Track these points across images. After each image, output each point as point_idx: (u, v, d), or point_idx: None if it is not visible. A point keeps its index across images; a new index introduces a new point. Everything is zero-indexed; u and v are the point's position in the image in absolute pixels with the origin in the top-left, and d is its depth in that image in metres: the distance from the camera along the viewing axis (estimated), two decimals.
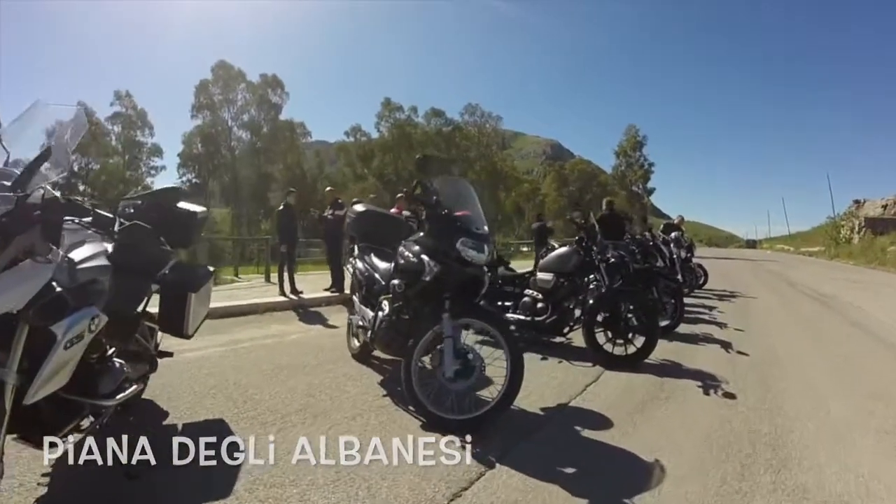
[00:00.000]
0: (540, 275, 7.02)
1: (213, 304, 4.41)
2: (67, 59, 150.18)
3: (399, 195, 11.67)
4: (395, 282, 4.39)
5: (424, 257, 4.18)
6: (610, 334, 6.20)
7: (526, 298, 7.03)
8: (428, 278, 4.11)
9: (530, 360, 5.29)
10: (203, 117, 60.51)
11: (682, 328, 8.13)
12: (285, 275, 11.33)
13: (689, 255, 14.52)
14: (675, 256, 12.70)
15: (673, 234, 14.00)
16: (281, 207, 12.16)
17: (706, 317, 9.79)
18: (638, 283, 8.02)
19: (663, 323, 7.79)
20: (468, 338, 4.22)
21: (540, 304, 6.87)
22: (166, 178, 60.52)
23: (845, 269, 29.31)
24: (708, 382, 5.36)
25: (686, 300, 11.66)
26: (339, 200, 12.29)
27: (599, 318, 6.28)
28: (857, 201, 52.37)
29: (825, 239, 51.16)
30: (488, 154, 70.19)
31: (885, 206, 47.74)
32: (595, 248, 6.63)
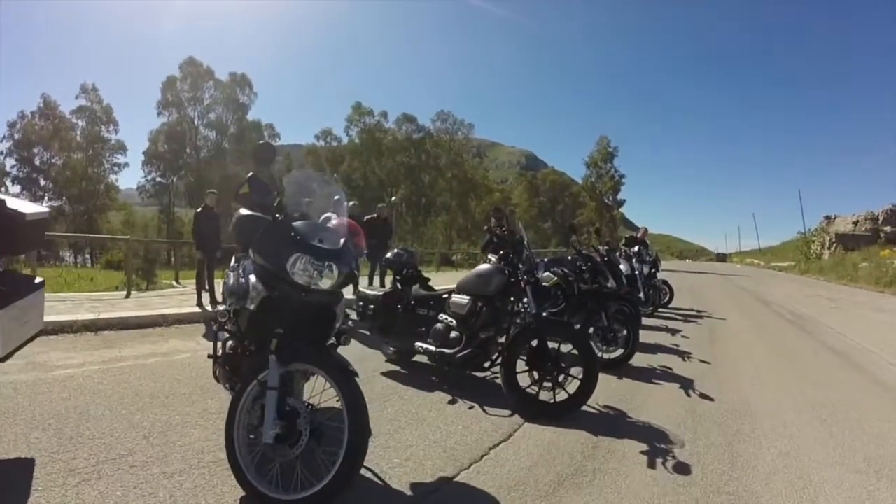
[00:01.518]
0: (454, 297, 5.70)
1: (117, 314, 4.75)
2: (34, 48, 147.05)
3: (352, 202, 10.76)
4: (221, 308, 3.54)
5: (252, 278, 3.30)
6: (536, 374, 4.85)
7: (438, 325, 5.72)
8: (252, 306, 3.24)
9: (435, 402, 4.93)
10: (169, 115, 59.43)
11: (638, 358, 6.89)
12: (206, 283, 10.51)
13: (653, 270, 13.31)
14: (636, 273, 11.59)
15: (635, 248, 12.85)
16: (199, 209, 10.98)
17: (668, 343, 8.53)
18: (584, 306, 6.87)
19: (614, 354, 6.69)
20: (316, 389, 3.14)
21: (453, 333, 5.55)
22: (130, 175, 59.43)
23: (817, 284, 28.49)
24: (656, 446, 4.05)
25: (648, 321, 10.57)
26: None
27: (524, 354, 4.96)
28: (827, 217, 52.60)
29: (795, 254, 51.56)
30: (459, 162, 69.18)
31: (855, 223, 48.07)
32: (521, 266, 5.24)
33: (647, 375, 6.36)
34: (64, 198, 55.84)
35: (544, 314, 6.29)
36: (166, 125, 59.16)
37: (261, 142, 3.75)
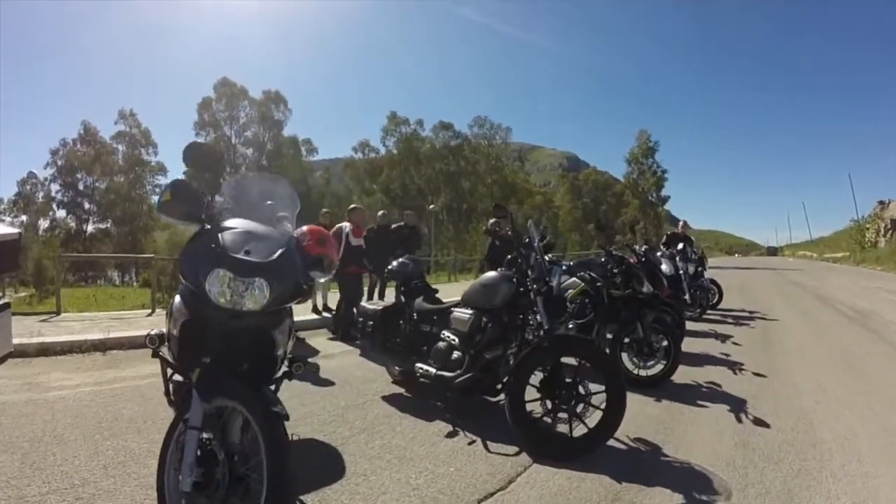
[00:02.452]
0: (455, 312, 4.99)
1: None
2: (72, 79, 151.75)
3: (352, 206, 10.37)
4: (153, 332, 3.07)
5: (176, 298, 2.89)
6: (549, 404, 4.09)
7: (440, 343, 4.99)
8: (175, 331, 2.85)
9: (431, 435, 4.27)
10: (206, 135, 60.16)
11: (681, 373, 6.02)
12: None
13: (699, 269, 12.35)
14: (680, 272, 10.69)
15: (680, 246, 11.92)
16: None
17: (716, 352, 7.61)
18: (616, 316, 6.07)
19: (653, 370, 5.86)
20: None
21: (455, 354, 4.81)
22: None
23: (875, 276, 26.87)
24: (696, 498, 3.23)
25: (694, 326, 9.70)
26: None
27: (534, 379, 4.18)
28: (881, 202, 50.43)
29: (849, 243, 49.60)
30: (499, 167, 68.48)
31: None
32: (531, 272, 4.49)
33: (690, 395, 5.50)
34: (109, 220, 57.56)
35: (563, 329, 5.57)
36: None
37: (190, 142, 3.15)
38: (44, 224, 56.49)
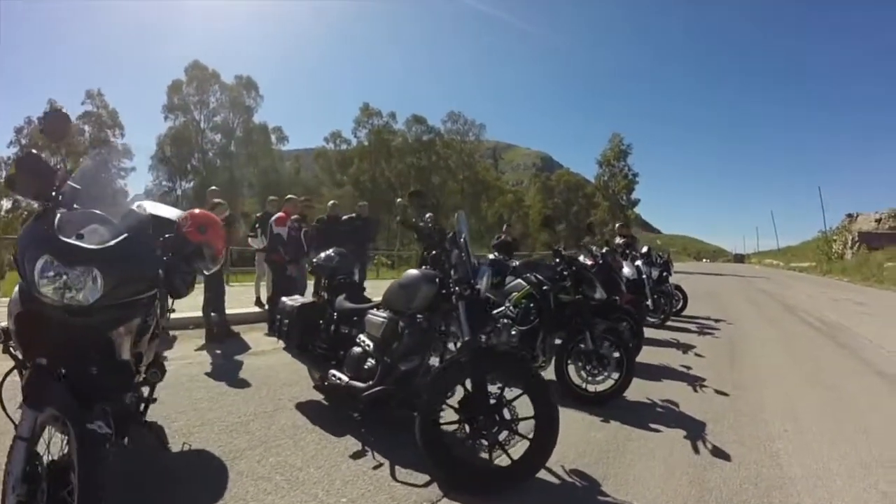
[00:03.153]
0: (369, 315, 4.34)
1: None
2: (39, 56, 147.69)
3: (289, 196, 9.71)
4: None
5: (16, 287, 2.54)
6: (468, 428, 3.40)
7: (355, 348, 4.34)
8: (11, 326, 2.51)
9: (335, 454, 3.69)
10: (175, 118, 58.81)
11: (637, 388, 5.41)
12: None
13: (664, 273, 11.80)
14: (644, 277, 10.12)
15: (644, 249, 11.39)
16: None
17: (676, 364, 7.00)
18: (564, 324, 5.41)
19: (602, 385, 5.19)
20: None
21: (368, 362, 4.15)
22: (137, 179, 59.59)
23: (841, 286, 26.84)
24: None
25: (656, 334, 9.13)
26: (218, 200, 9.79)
27: (452, 401, 3.49)
28: (849, 215, 51.26)
29: (816, 254, 50.39)
30: (471, 163, 67.85)
31: (878, 220, 46.82)
32: (454, 272, 3.77)
33: (643, 416, 4.84)
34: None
35: (505, 336, 4.93)
36: (173, 129, 58.53)
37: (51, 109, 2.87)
38: (6, 205, 54.70)
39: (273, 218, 9.27)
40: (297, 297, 5.41)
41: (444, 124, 67.78)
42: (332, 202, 12.25)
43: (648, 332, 8.86)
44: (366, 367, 4.13)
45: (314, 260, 5.45)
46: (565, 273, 5.54)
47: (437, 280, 3.87)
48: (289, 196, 9.90)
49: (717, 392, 5.71)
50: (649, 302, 10.18)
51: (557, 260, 5.76)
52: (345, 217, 11.74)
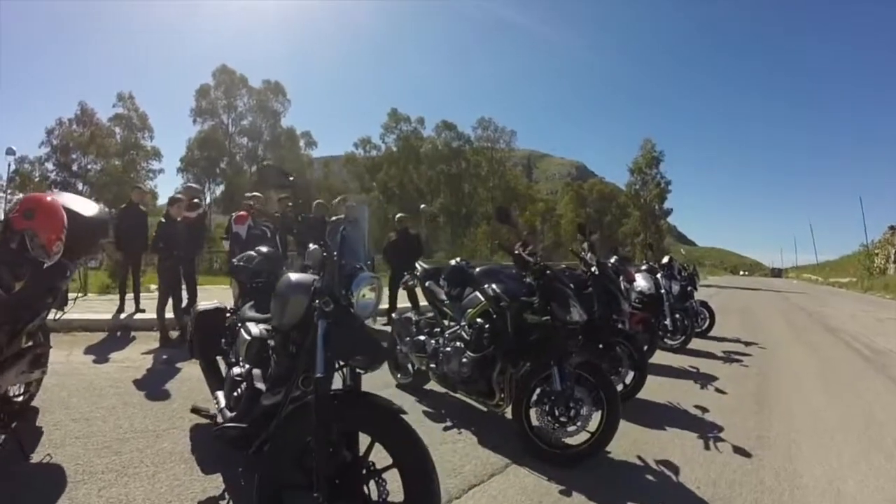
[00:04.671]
0: (241, 330, 3.59)
1: None
2: (72, 59, 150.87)
3: (253, 193, 9.19)
4: None
5: None
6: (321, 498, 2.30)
7: (235, 369, 3.52)
8: None
9: (187, 496, 3.06)
10: (203, 122, 58.97)
11: (630, 436, 4.21)
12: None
13: (688, 289, 10.37)
14: (663, 291, 8.76)
15: (665, 259, 9.99)
16: (123, 206, 9.89)
17: (689, 404, 5.58)
18: (527, 353, 4.13)
19: (574, 439, 3.90)
20: None
21: (238, 390, 3.32)
22: (165, 181, 60.25)
23: (885, 304, 24.86)
24: None
25: (673, 360, 7.81)
26: (196, 200, 9.21)
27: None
28: (892, 227, 48.72)
29: (857, 269, 48.46)
30: (501, 171, 66.52)
31: None
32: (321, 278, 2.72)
33: (625, 487, 3.49)
34: (101, 202, 56.28)
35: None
36: (202, 133, 58.55)
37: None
38: None
39: (233, 215, 8.73)
40: (214, 302, 4.38)
41: (475, 131, 66.48)
42: (317, 202, 11.26)
43: (664, 358, 7.73)
44: (234, 394, 3.30)
45: (233, 260, 4.63)
46: (533, 285, 4.22)
47: (313, 288, 2.72)
48: (254, 192, 9.00)
49: (737, 450, 4.26)
50: (668, 321, 8.78)
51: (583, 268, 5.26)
52: (334, 218, 10.76)
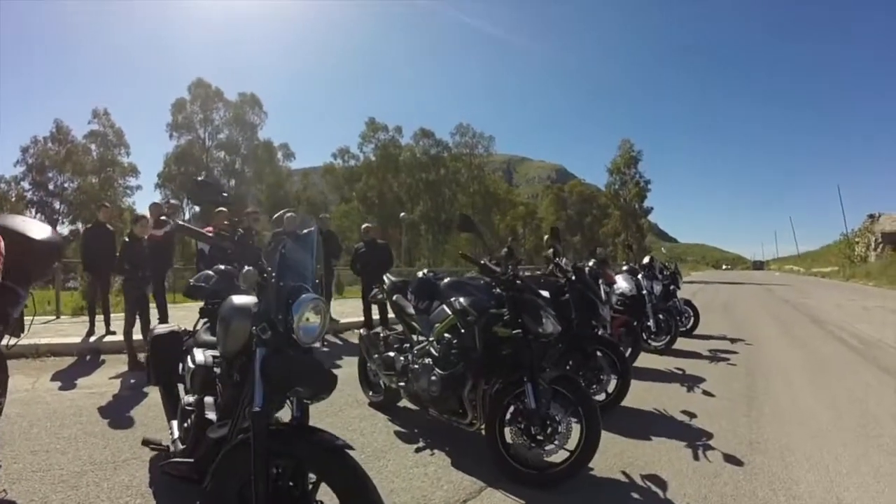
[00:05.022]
0: (189, 355, 3.31)
1: None
2: (46, 77, 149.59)
3: (218, 209, 8.17)
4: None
5: None
6: None
7: (186, 397, 3.30)
8: None
9: None
10: (180, 136, 58.26)
11: (613, 449, 3.95)
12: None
13: (671, 287, 10.17)
14: (644, 292, 8.55)
15: (646, 259, 9.79)
16: (89, 225, 9.92)
17: (675, 410, 5.32)
18: (498, 369, 3.86)
19: (553, 457, 3.60)
20: None
21: (186, 424, 3.13)
22: (143, 197, 59.78)
23: (869, 292, 25.00)
24: None
25: (657, 362, 7.63)
26: (163, 217, 8.65)
27: None
28: (871, 216, 49.27)
29: (838, 258, 48.77)
30: (481, 176, 66.46)
31: None
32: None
33: None
34: (78, 222, 55.81)
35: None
36: (179, 147, 57.91)
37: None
38: None
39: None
40: (170, 325, 4.10)
41: (453, 137, 66.49)
42: (288, 214, 10.93)
43: (650, 360, 7.51)
44: (185, 425, 3.08)
45: (190, 280, 4.16)
46: (502, 295, 3.93)
47: (255, 312, 2.45)
48: (218, 209, 8.68)
49: (728, 459, 4.00)
50: (651, 322, 8.55)
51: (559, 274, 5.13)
52: (303, 231, 10.46)
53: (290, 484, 2.27)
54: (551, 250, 5.61)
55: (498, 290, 3.96)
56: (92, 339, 8.36)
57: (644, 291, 8.55)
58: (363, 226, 11.15)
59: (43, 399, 5.38)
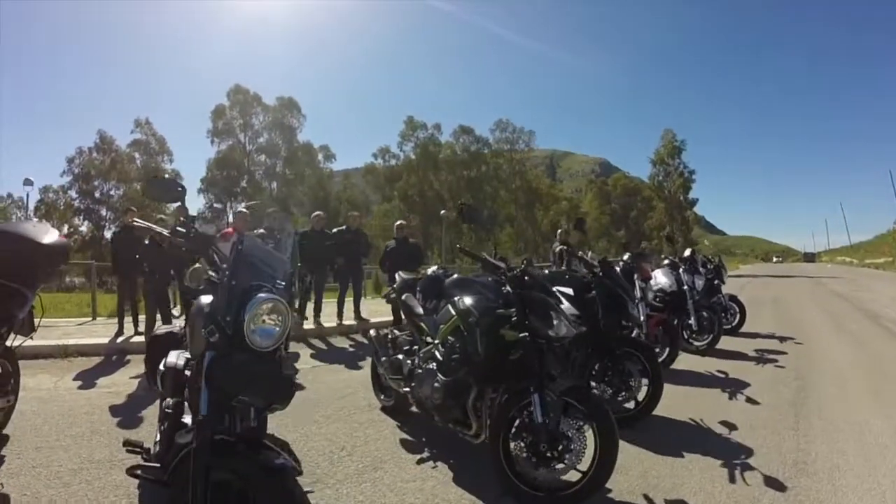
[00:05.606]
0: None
1: None
2: (88, 89, 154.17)
3: (239, 209, 9.39)
4: None
5: None
6: None
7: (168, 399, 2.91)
8: None
9: None
10: (221, 142, 59.37)
11: (639, 464, 3.50)
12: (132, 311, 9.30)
13: (715, 282, 9.60)
14: (685, 287, 8.01)
15: (687, 252, 9.23)
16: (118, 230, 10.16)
17: (714, 421, 4.79)
18: (504, 376, 3.46)
19: (567, 474, 3.21)
20: None
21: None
22: (187, 203, 60.79)
23: None
24: None
25: (696, 364, 7.12)
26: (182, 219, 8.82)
27: None
28: None
29: (892, 248, 45.97)
30: (522, 172, 65.80)
31: None
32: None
33: None
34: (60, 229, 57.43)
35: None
36: (220, 152, 59.00)
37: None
38: (64, 230, 56.46)
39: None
40: (170, 326, 3.98)
41: (493, 133, 66.34)
42: (316, 213, 10.88)
43: (689, 362, 7.06)
44: (162, 428, 2.89)
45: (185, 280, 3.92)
46: (509, 293, 3.52)
47: (206, 313, 2.30)
48: (239, 209, 8.63)
49: (768, 482, 3.49)
50: (692, 320, 7.99)
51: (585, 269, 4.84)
52: (335, 230, 10.60)
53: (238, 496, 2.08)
54: (558, 246, 5.15)
55: (507, 288, 3.54)
56: (119, 339, 8.37)
57: (685, 287, 8.02)
58: (397, 223, 10.92)
59: (61, 397, 5.40)
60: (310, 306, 10.16)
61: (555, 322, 3.31)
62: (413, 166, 63.23)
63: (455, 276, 4.13)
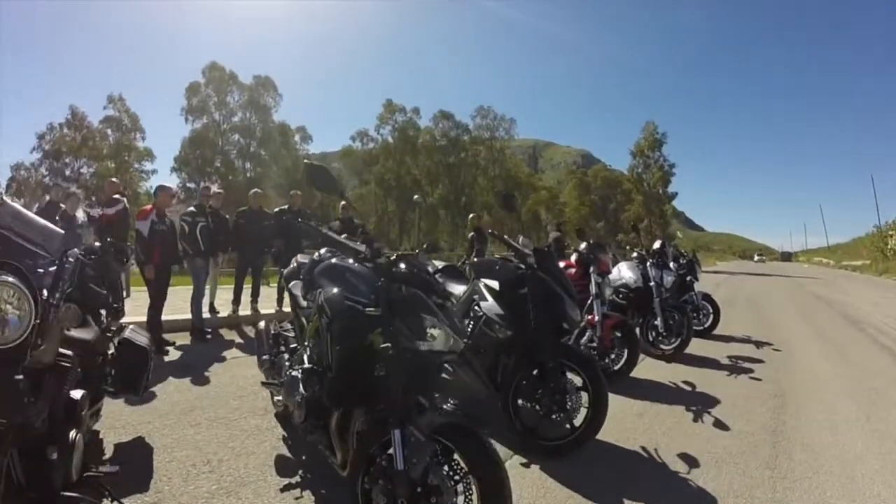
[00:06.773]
0: None
1: None
2: (60, 63, 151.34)
3: (160, 185, 7.73)
4: None
5: None
6: None
7: None
8: None
9: None
10: (195, 120, 58.10)
11: None
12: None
13: (687, 279, 8.71)
14: (653, 284, 7.07)
15: (657, 245, 8.27)
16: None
17: (670, 455, 3.83)
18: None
19: None
20: None
21: None
22: (159, 181, 59.85)
23: None
24: None
25: (663, 372, 6.07)
26: (116, 196, 9.33)
27: None
28: None
29: (870, 251, 46.30)
30: (501, 160, 64.87)
31: None
32: None
33: None
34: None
35: None
36: (194, 131, 57.84)
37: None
38: (35, 208, 54.97)
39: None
40: None
41: (473, 120, 65.20)
42: (253, 191, 9.93)
43: (653, 369, 6.27)
44: None
45: None
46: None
47: None
48: (160, 184, 7.65)
49: None
50: (659, 321, 7.04)
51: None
52: (275, 209, 9.77)
53: None
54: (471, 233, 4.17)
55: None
56: None
57: (651, 283, 7.06)
58: (342, 203, 10.03)
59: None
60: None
61: (428, 330, 2.29)
62: (391, 150, 62.14)
63: (329, 261, 3.06)
